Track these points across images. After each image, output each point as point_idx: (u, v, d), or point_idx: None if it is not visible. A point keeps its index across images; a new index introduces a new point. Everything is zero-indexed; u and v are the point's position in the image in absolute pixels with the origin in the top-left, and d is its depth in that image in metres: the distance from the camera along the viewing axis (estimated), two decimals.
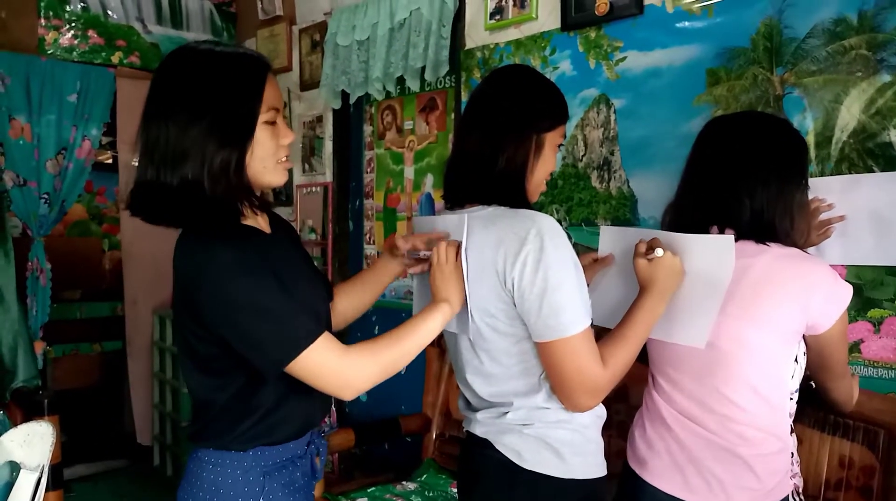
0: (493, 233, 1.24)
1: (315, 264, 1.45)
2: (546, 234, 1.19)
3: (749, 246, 1.32)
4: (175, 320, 1.23)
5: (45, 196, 3.45)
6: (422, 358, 2.64)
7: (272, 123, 1.18)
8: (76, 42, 3.50)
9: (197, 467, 1.22)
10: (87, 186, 3.70)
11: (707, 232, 1.36)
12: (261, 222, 1.26)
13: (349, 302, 1.49)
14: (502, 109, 1.30)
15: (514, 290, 1.21)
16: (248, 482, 1.20)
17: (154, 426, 4.03)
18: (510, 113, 1.29)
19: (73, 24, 3.49)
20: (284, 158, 1.22)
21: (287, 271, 1.20)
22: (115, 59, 3.62)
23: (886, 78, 1.63)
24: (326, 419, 3.32)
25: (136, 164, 1.15)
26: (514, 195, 1.29)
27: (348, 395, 1.17)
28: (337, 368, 1.14)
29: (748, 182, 1.32)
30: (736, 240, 1.30)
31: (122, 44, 3.64)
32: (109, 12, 3.60)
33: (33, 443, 1.73)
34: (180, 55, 1.15)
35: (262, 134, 1.16)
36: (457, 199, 1.37)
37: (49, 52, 3.42)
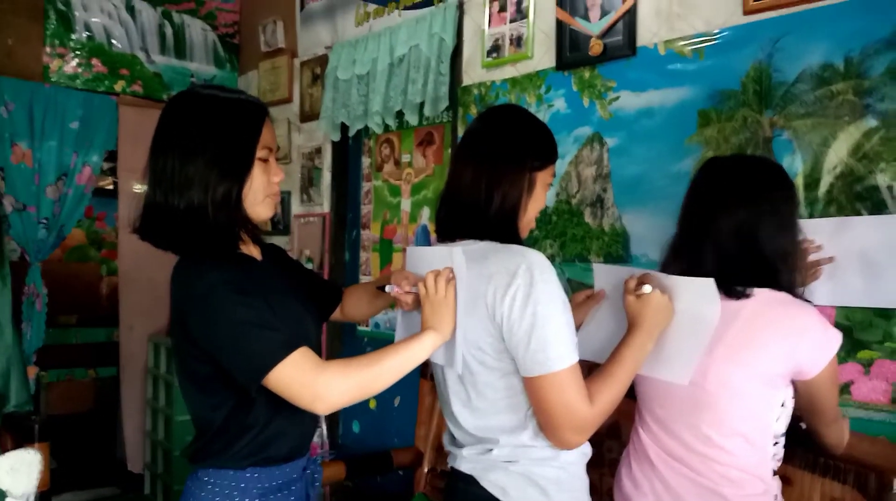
0: (485, 267, 1.25)
1: (311, 285, 1.53)
2: (536, 269, 1.21)
3: (740, 289, 1.33)
4: (173, 343, 1.32)
5: (44, 221, 3.47)
6: (415, 391, 2.64)
7: (265, 160, 1.29)
8: (80, 70, 3.56)
9: (195, 487, 1.27)
10: (86, 211, 3.73)
11: (708, 277, 1.36)
12: (253, 251, 1.36)
13: (357, 309, 1.62)
14: (497, 148, 1.33)
15: (503, 324, 1.23)
16: None
17: (146, 454, 4.00)
18: (505, 151, 1.32)
19: (78, 53, 3.55)
20: (273, 194, 1.33)
21: (275, 293, 1.28)
22: (118, 87, 3.68)
23: (873, 123, 1.65)
24: (319, 449, 3.30)
25: (146, 190, 1.27)
26: (506, 232, 1.31)
27: (321, 409, 1.20)
28: (310, 382, 1.17)
29: (765, 229, 1.33)
30: (731, 282, 1.31)
31: (125, 72, 3.71)
32: (114, 41, 3.67)
33: (20, 471, 1.73)
34: (188, 97, 1.28)
35: (256, 170, 1.27)
36: (449, 233, 1.39)
37: (53, 79, 3.48)
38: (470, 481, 1.30)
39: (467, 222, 1.33)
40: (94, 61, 3.60)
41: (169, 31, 3.84)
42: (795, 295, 1.36)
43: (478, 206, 1.31)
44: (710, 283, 1.29)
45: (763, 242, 1.33)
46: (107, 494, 3.99)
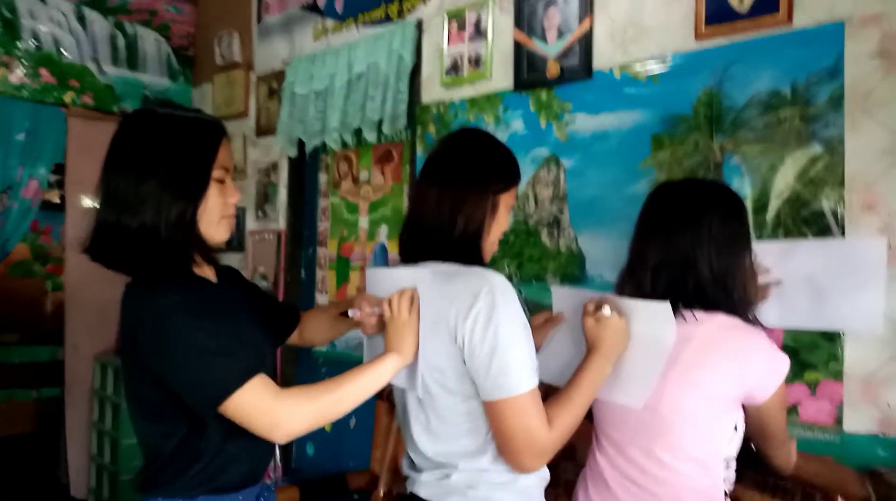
0: (447, 289, 1.25)
1: (267, 308, 1.50)
2: (498, 291, 1.21)
3: (696, 314, 1.35)
4: (123, 367, 1.28)
5: None
6: (371, 413, 2.61)
7: (221, 181, 1.27)
8: (27, 80, 3.45)
9: None
10: (31, 225, 3.59)
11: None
12: (207, 273, 1.33)
13: (315, 333, 1.61)
14: (461, 171, 1.33)
15: (464, 346, 1.22)
16: None
17: (91, 478, 3.86)
18: (468, 174, 1.32)
19: (25, 62, 3.45)
20: (229, 215, 1.31)
21: (229, 316, 1.26)
22: (67, 98, 3.58)
23: (818, 149, 1.71)
24: (271, 474, 3.23)
25: (96, 209, 1.24)
26: (470, 254, 1.31)
27: (279, 437, 1.18)
28: (268, 409, 1.15)
29: (704, 252, 1.34)
30: (686, 307, 1.33)
31: (75, 84, 3.61)
32: (63, 51, 3.57)
33: None
34: (144, 116, 1.26)
35: (212, 190, 1.25)
36: (413, 255, 1.38)
37: None
38: None
39: (431, 244, 1.33)
40: (43, 71, 3.50)
41: (121, 41, 3.76)
42: (747, 318, 1.38)
43: (441, 228, 1.31)
44: (665, 307, 1.31)
45: (701, 264, 1.35)
46: None
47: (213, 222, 1.26)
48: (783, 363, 1.33)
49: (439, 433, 1.30)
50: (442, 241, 1.30)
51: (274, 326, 1.49)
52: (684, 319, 1.34)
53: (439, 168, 1.36)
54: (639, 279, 1.42)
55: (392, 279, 1.34)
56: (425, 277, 1.27)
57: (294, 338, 1.60)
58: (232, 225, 1.33)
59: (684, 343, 1.33)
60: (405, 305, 1.27)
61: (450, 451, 1.29)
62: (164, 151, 1.20)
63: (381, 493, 2.50)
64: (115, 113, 3.74)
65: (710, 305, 1.35)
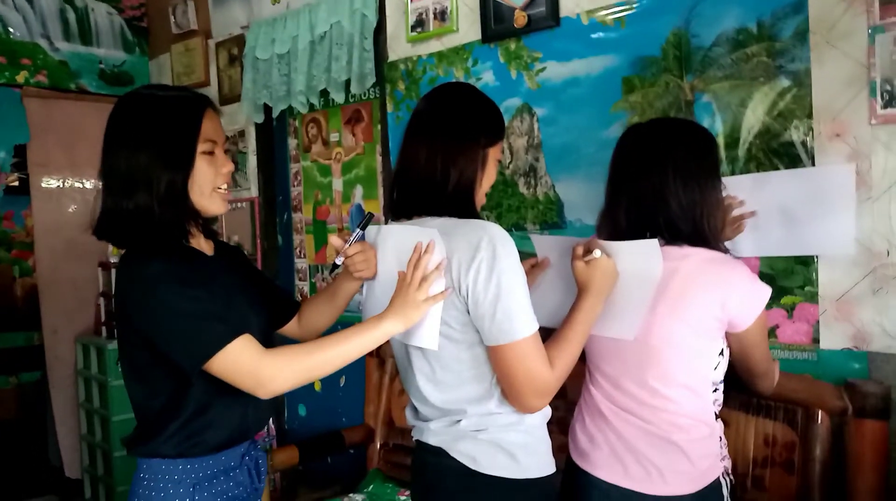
0: (447, 242, 1.28)
1: (264, 291, 1.53)
2: (498, 242, 1.24)
3: (677, 250, 1.40)
4: (117, 332, 1.35)
5: None
6: (361, 369, 2.65)
7: (210, 153, 1.30)
8: None
9: (135, 485, 1.31)
10: None
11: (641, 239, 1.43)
12: (204, 246, 1.38)
13: (315, 317, 1.60)
14: (450, 125, 1.35)
15: (468, 296, 1.26)
16: (179, 493, 1.28)
17: (83, 457, 3.87)
18: (458, 129, 1.34)
19: None
20: (223, 188, 1.35)
21: (219, 287, 1.29)
22: (20, 78, 3.47)
23: (785, 83, 1.76)
24: (266, 438, 3.27)
25: (102, 193, 1.30)
26: (464, 207, 1.34)
27: (262, 394, 1.22)
28: (252, 368, 1.20)
29: (670, 187, 1.40)
30: (665, 243, 1.38)
31: (27, 62, 3.50)
32: (11, 30, 3.45)
33: None
34: (130, 99, 1.31)
35: (200, 163, 1.29)
36: (405, 211, 1.40)
37: None
38: (439, 453, 1.33)
39: (424, 199, 1.35)
40: None
41: (72, 16, 3.64)
42: (718, 248, 1.44)
43: (434, 183, 1.33)
44: (653, 243, 1.36)
45: (669, 198, 1.40)
46: None
47: (205, 194, 1.30)
48: (763, 293, 1.39)
49: (445, 382, 1.34)
50: (435, 195, 1.33)
51: (269, 308, 1.49)
52: (668, 253, 1.40)
53: (428, 123, 1.37)
54: (614, 219, 1.47)
55: (402, 235, 1.36)
56: (435, 233, 1.29)
57: (294, 330, 1.62)
58: (226, 197, 1.36)
59: (670, 277, 1.38)
60: (423, 284, 1.28)
61: (457, 398, 1.34)
62: (149, 128, 1.25)
63: (378, 445, 2.58)
64: (73, 90, 3.64)
65: (680, 237, 1.41)
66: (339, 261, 1.43)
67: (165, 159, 1.25)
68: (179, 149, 1.26)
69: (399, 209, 1.40)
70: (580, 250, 1.42)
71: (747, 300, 1.37)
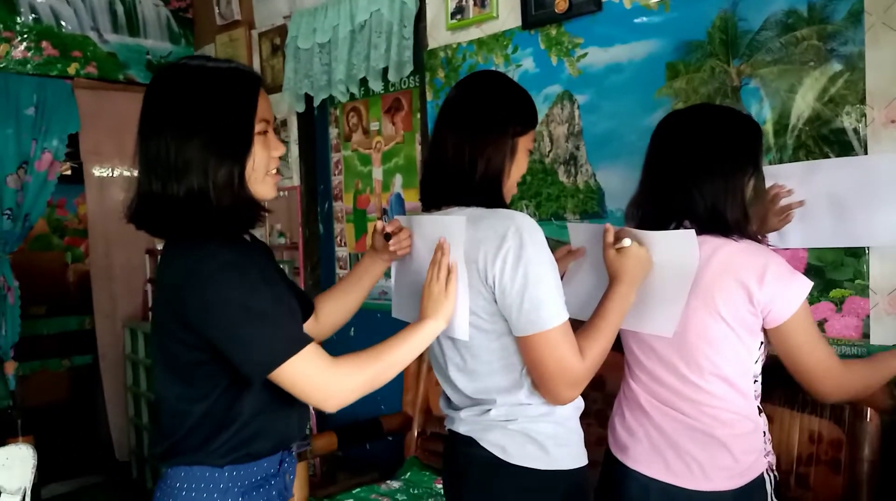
0: (474, 232, 1.27)
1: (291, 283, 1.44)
2: (525, 231, 1.23)
3: (709, 240, 1.36)
4: (155, 330, 1.22)
5: (8, 212, 3.39)
6: None
7: (264, 133, 1.21)
8: (30, 54, 3.43)
9: (169, 491, 1.19)
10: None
11: (667, 228, 1.40)
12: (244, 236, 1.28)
13: (333, 309, 1.50)
14: (479, 114, 1.33)
15: (495, 286, 1.25)
16: None
17: (130, 440, 3.98)
18: (487, 117, 1.33)
19: (26, 36, 3.42)
20: (274, 171, 1.25)
21: (275, 282, 1.22)
22: (71, 70, 3.56)
23: (837, 67, 1.69)
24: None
25: (138, 177, 1.18)
26: (492, 197, 1.33)
27: (330, 407, 1.17)
28: (322, 379, 1.14)
29: (696, 175, 1.37)
30: (697, 234, 1.35)
31: (77, 54, 3.59)
32: (63, 23, 3.54)
33: (13, 466, 1.72)
34: (173, 70, 1.18)
35: (256, 146, 1.18)
36: (434, 200, 1.40)
37: (2, 65, 3.35)
38: (469, 442, 1.33)
39: (452, 188, 1.34)
40: (45, 44, 3.47)
41: (120, 8, 3.71)
42: (759, 241, 1.39)
43: (462, 172, 1.32)
44: (689, 234, 1.32)
45: (692, 188, 1.37)
46: (93, 482, 3.99)
47: (259, 179, 1.20)
48: (800, 285, 1.31)
49: (475, 372, 1.33)
50: (463, 185, 1.32)
51: (304, 296, 1.44)
52: (701, 243, 1.36)
53: (457, 112, 1.36)
54: (641, 207, 1.47)
55: (430, 225, 1.36)
56: (462, 221, 1.28)
57: (311, 328, 1.45)
58: (277, 180, 1.26)
59: (702, 270, 1.34)
60: (443, 276, 1.28)
61: (487, 387, 1.33)
62: (203, 108, 1.13)
63: (416, 433, 2.59)
64: (121, 81, 3.72)
65: (705, 227, 1.37)
66: (385, 223, 1.43)
67: (223, 143, 1.13)
68: (238, 131, 1.15)
69: (428, 199, 1.39)
70: (610, 237, 1.39)
71: (781, 293, 1.30)
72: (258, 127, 1.18)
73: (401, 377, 2.69)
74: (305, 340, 1.14)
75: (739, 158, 1.38)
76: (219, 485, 1.18)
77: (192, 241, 1.14)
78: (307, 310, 1.40)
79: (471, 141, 1.31)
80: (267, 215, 1.25)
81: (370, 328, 2.28)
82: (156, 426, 1.24)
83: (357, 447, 2.94)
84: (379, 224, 1.46)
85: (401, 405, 2.67)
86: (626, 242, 1.36)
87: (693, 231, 1.33)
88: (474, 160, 1.31)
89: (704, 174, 1.36)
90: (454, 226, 1.29)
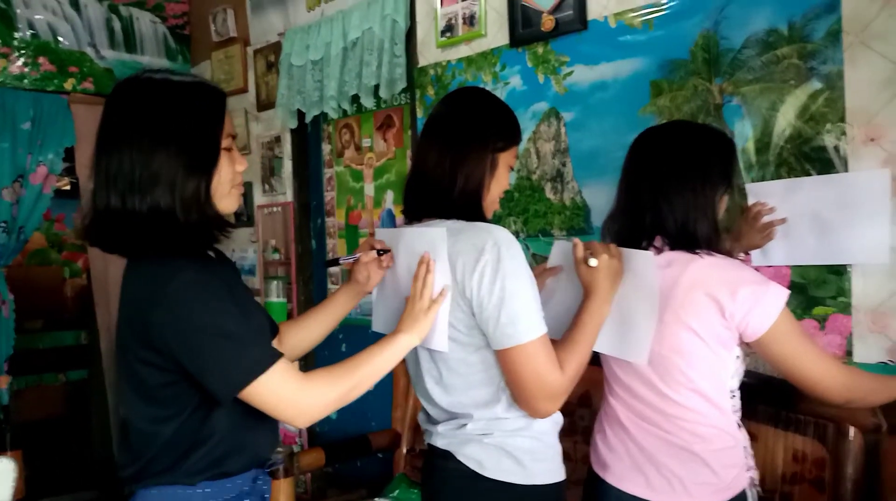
0: (453, 245, 1.28)
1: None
2: (503, 245, 1.23)
3: (681, 255, 1.37)
4: (120, 350, 1.19)
5: (3, 225, 3.40)
6: (389, 375, 2.65)
7: (229, 149, 1.20)
8: (27, 69, 3.46)
9: None
10: (45, 213, 3.64)
11: (640, 244, 1.42)
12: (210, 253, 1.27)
13: (300, 336, 1.49)
14: (460, 129, 1.35)
15: (472, 299, 1.25)
16: None
17: None
18: (468, 132, 1.34)
19: (23, 52, 3.45)
20: (238, 184, 1.24)
21: (243, 299, 1.22)
22: (68, 85, 3.59)
23: (817, 85, 1.70)
24: (297, 439, 3.31)
25: (94, 192, 1.14)
26: (471, 211, 1.34)
27: (302, 423, 1.16)
28: (293, 396, 1.14)
29: (667, 191, 1.38)
30: (669, 249, 1.35)
31: (74, 70, 3.61)
32: (60, 38, 3.57)
33: None
34: (137, 83, 1.15)
35: (222, 160, 1.18)
36: (415, 213, 1.41)
37: None
38: (447, 456, 1.32)
39: (432, 201, 1.36)
40: (41, 60, 3.50)
41: (117, 25, 3.75)
42: (732, 257, 1.40)
43: (442, 186, 1.33)
44: (648, 256, 1.34)
45: (662, 203, 1.38)
46: (87, 498, 3.96)
47: (224, 193, 1.19)
48: (775, 296, 1.30)
49: (452, 385, 1.33)
50: (443, 198, 1.33)
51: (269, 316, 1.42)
52: (674, 259, 1.36)
53: (439, 127, 1.38)
54: (617, 225, 1.48)
55: (412, 237, 1.36)
56: (443, 232, 1.28)
57: None
58: (240, 194, 1.26)
59: (674, 285, 1.35)
60: (428, 292, 1.28)
61: (464, 401, 1.33)
62: (173, 121, 1.11)
63: (404, 450, 2.58)
64: None
65: (689, 245, 1.37)
66: (343, 260, 1.43)
67: (192, 156, 1.12)
68: (207, 146, 1.14)
69: (410, 211, 1.40)
70: (580, 252, 1.40)
71: (756, 305, 1.29)
72: (225, 142, 1.18)
73: (390, 394, 2.68)
74: (275, 356, 1.13)
75: (711, 174, 1.39)
76: None
77: (155, 258, 1.13)
78: (273, 333, 1.35)
79: (451, 155, 1.33)
80: (231, 230, 1.24)
81: (362, 343, 2.28)
82: (124, 447, 1.21)
83: (346, 463, 2.93)
84: (366, 257, 1.44)
85: (390, 422, 2.66)
86: (593, 262, 1.37)
87: (651, 253, 1.35)
88: (454, 174, 1.32)
89: (675, 190, 1.37)
90: (436, 238, 1.29)
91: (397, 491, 2.46)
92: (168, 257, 1.12)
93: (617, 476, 1.45)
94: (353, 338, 3.12)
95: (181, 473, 1.16)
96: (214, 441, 1.17)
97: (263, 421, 1.20)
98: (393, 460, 2.63)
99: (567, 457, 1.99)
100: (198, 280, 1.10)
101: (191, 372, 1.11)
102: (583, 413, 2.06)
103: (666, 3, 1.96)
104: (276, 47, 3.33)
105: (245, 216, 3.58)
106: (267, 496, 1.32)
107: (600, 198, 2.14)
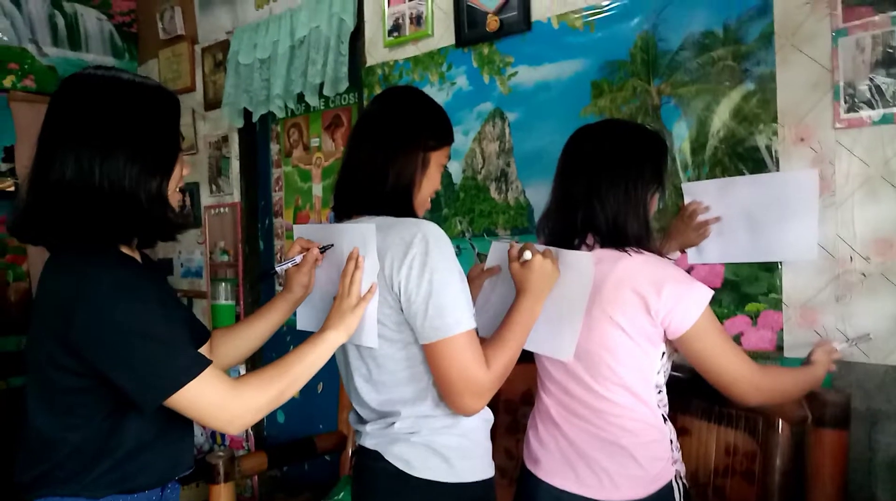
0: (382, 240, 1.27)
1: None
2: (431, 238, 1.23)
3: (610, 253, 1.38)
4: (31, 348, 1.13)
5: None
6: (337, 376, 2.63)
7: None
8: None
9: None
10: None
11: (572, 242, 1.42)
12: (135, 255, 1.23)
13: (234, 344, 1.45)
14: (393, 126, 1.34)
15: (400, 293, 1.24)
16: None
17: None
18: (400, 130, 1.34)
19: None
20: (181, 186, 1.25)
21: (168, 302, 1.19)
22: (7, 82, 3.48)
23: (750, 86, 1.74)
24: (244, 443, 3.26)
25: (31, 185, 1.10)
26: (402, 207, 1.33)
27: (234, 430, 1.13)
28: (224, 402, 1.11)
29: (598, 189, 1.39)
30: (600, 246, 1.36)
31: (14, 67, 3.51)
32: None
33: None
34: (88, 81, 1.13)
35: (177, 162, 1.20)
36: (346, 209, 1.39)
37: None
38: (375, 456, 1.31)
39: (363, 197, 1.34)
40: None
41: (61, 21, 3.66)
42: (661, 255, 1.41)
43: (373, 182, 1.32)
44: (588, 257, 1.35)
45: (594, 201, 1.39)
46: None
47: (173, 195, 1.19)
48: (699, 295, 1.31)
49: (381, 383, 1.32)
50: (374, 194, 1.32)
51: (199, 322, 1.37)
52: (604, 256, 1.38)
53: (372, 125, 1.37)
54: (552, 222, 1.48)
55: (340, 233, 1.34)
56: (371, 228, 1.27)
57: None
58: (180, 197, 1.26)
59: (602, 281, 1.36)
60: (356, 289, 1.27)
61: (392, 399, 1.31)
62: (133, 121, 1.11)
63: (350, 452, 2.55)
64: None
65: (607, 241, 1.39)
66: (281, 268, 1.41)
67: (152, 161, 1.12)
68: (167, 150, 1.15)
69: (340, 208, 1.39)
70: (514, 251, 1.40)
71: (679, 303, 1.31)
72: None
73: (337, 397, 2.66)
74: (204, 362, 1.10)
75: (643, 172, 1.40)
76: None
77: (81, 255, 1.09)
78: (202, 338, 1.31)
79: (383, 152, 1.32)
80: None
81: None
82: (22, 451, 1.14)
83: (293, 466, 2.89)
84: (310, 256, 1.40)
85: (337, 424, 2.63)
86: (527, 255, 1.37)
87: (590, 255, 1.35)
88: (385, 171, 1.31)
89: (607, 188, 1.38)
90: (365, 233, 1.28)
91: (342, 494, 2.43)
92: (97, 254, 1.09)
93: (548, 470, 1.45)
94: (300, 340, 3.08)
95: (84, 485, 1.11)
96: (123, 454, 1.13)
97: (179, 434, 1.17)
98: (339, 462, 2.60)
99: (510, 455, 2.01)
100: (125, 282, 1.07)
101: (110, 378, 1.07)
102: (526, 411, 2.06)
103: (607, 5, 1.99)
104: (224, 46, 3.28)
105: (192, 217, 3.52)
106: None
107: (543, 197, 2.10)
